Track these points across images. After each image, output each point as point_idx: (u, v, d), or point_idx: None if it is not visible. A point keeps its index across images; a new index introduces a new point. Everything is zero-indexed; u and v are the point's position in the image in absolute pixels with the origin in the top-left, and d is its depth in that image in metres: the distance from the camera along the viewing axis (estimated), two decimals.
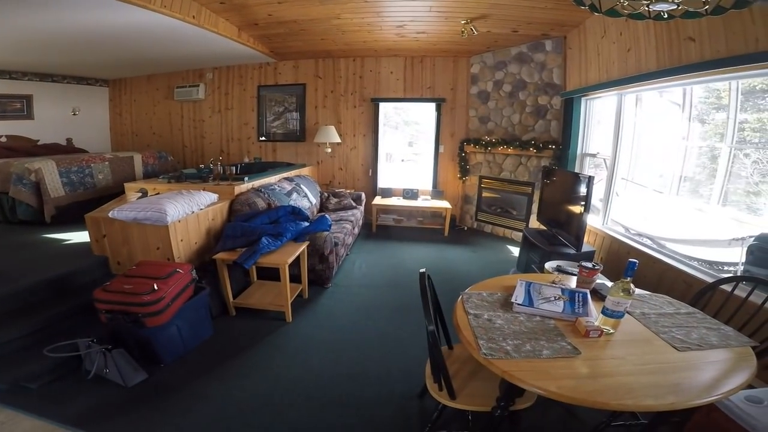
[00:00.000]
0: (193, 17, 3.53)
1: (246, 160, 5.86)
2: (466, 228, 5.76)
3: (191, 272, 2.45)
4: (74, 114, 6.25)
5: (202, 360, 2.41)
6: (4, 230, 3.87)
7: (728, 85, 3.03)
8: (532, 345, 1.34)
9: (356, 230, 4.64)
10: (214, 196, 3.24)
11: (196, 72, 6.18)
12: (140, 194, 3.12)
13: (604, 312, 1.45)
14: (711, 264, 2.89)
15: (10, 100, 5.53)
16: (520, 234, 4.16)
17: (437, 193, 5.72)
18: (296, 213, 3.41)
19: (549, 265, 2.80)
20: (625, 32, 3.30)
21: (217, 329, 2.73)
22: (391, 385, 2.20)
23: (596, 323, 1.44)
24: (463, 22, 3.94)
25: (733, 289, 1.78)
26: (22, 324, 2.25)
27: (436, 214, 5.73)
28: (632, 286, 1.40)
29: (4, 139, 5.28)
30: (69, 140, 6.11)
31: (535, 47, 4.66)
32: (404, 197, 5.70)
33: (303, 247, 3.03)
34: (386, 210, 5.80)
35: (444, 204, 5.44)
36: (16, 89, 5.56)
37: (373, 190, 5.95)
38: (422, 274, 1.51)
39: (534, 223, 4.69)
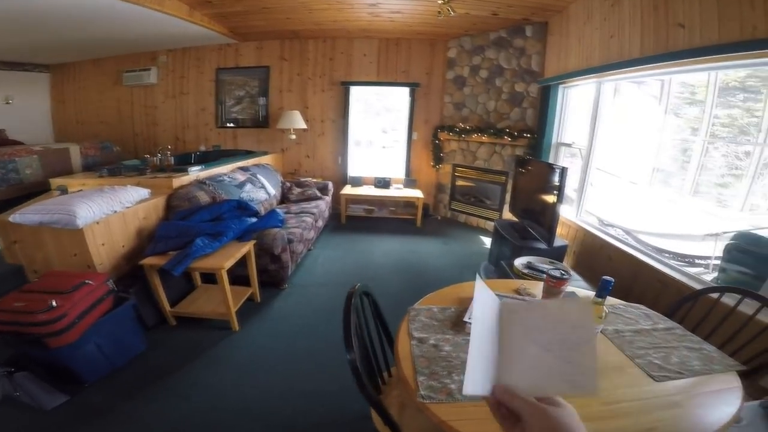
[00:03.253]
0: None
1: (203, 148, 5.43)
2: (439, 218, 5.53)
3: (107, 282, 2.11)
4: (7, 103, 5.64)
5: (133, 377, 2.14)
6: None
7: (707, 80, 2.98)
8: None
9: (320, 223, 4.32)
10: (145, 192, 2.85)
11: (148, 55, 5.63)
12: (59, 192, 2.72)
13: None
14: (683, 257, 2.80)
15: None
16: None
17: (410, 181, 5.45)
18: (243, 207, 3.05)
19: (519, 261, 2.58)
20: (609, 18, 3.07)
21: (153, 342, 2.43)
22: (345, 403, 1.97)
23: None
24: (440, 1, 3.62)
25: (717, 300, 1.58)
26: None
27: (408, 204, 5.46)
28: (605, 308, 1.16)
29: None
30: (1, 132, 5.52)
31: (514, 32, 4.40)
32: (376, 186, 5.42)
33: (248, 246, 2.69)
34: (356, 200, 5.49)
35: (417, 193, 5.18)
36: None
37: (342, 179, 5.63)
38: (350, 294, 1.22)
39: (507, 213, 4.49)
